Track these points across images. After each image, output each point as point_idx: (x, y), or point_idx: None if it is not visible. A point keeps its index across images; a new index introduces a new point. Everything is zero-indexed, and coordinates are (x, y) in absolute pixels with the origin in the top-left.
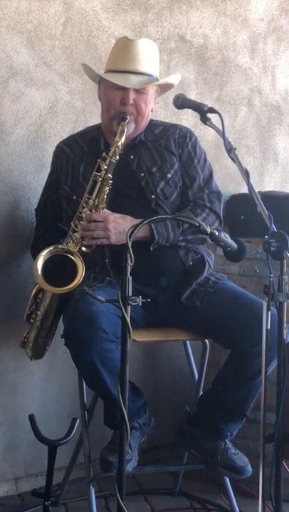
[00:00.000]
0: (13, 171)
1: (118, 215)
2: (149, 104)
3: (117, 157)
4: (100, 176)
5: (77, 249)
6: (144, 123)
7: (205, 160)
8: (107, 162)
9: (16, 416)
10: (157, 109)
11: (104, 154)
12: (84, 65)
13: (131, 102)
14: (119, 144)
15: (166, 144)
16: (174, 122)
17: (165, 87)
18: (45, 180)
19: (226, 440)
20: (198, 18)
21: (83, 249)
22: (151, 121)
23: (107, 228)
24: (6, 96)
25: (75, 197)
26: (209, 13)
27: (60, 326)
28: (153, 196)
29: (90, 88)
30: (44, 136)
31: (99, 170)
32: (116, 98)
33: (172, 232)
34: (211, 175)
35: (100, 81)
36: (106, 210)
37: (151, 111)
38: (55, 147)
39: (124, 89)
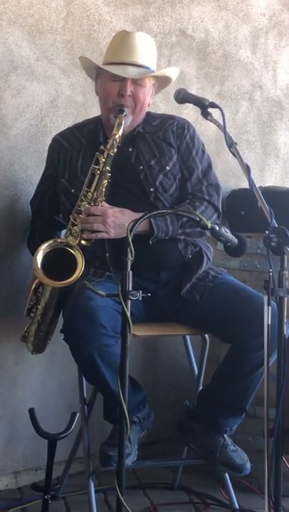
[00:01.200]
0: (13, 165)
1: (117, 209)
2: (146, 97)
3: (115, 150)
4: (99, 169)
5: (76, 242)
6: (141, 115)
7: (203, 151)
8: (105, 155)
9: (16, 410)
10: (158, 104)
11: (102, 147)
12: (82, 57)
13: (128, 93)
14: (117, 136)
15: (165, 136)
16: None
17: (163, 83)
18: (43, 171)
19: (225, 436)
20: (199, 13)
21: (83, 242)
22: (148, 113)
23: (106, 222)
24: (7, 90)
25: (73, 190)
26: (210, 7)
27: (60, 321)
28: (152, 189)
29: (91, 82)
30: (45, 130)
31: (97, 163)
32: (113, 90)
33: (171, 226)
34: (209, 166)
35: (97, 75)
36: (105, 204)
37: (149, 105)
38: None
39: (122, 81)
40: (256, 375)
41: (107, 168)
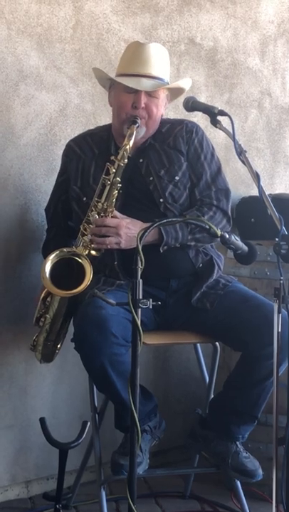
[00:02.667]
0: (23, 174)
1: (129, 220)
2: (160, 109)
3: (126, 160)
4: (109, 180)
5: (86, 252)
6: (154, 127)
7: (212, 155)
8: (116, 166)
9: (27, 419)
10: (167, 112)
11: (112, 158)
12: (95, 68)
13: (142, 105)
14: (128, 147)
15: (175, 143)
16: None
17: (175, 93)
18: (56, 178)
19: (238, 443)
20: (208, 21)
21: (92, 252)
22: None
23: (119, 234)
24: (17, 99)
25: (85, 198)
26: (219, 15)
27: (71, 330)
28: (162, 200)
29: (100, 91)
30: (54, 139)
31: (108, 173)
32: (127, 101)
33: (180, 232)
34: (219, 170)
35: (111, 86)
36: (116, 213)
37: (162, 116)
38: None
39: (136, 93)
40: (267, 384)
41: (118, 178)
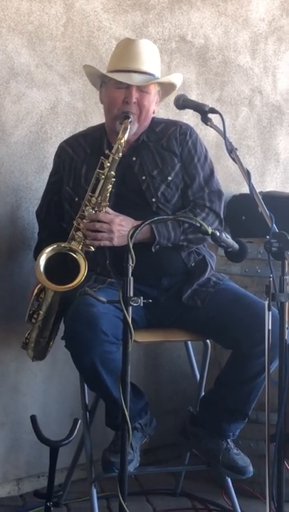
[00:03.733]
0: (14, 172)
1: (122, 217)
2: (151, 104)
3: (120, 154)
4: (103, 174)
5: (79, 247)
6: (146, 123)
7: (206, 157)
8: (110, 159)
9: (18, 417)
10: (158, 109)
11: (107, 151)
12: (86, 66)
13: (134, 100)
14: (122, 141)
15: (168, 144)
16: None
17: (167, 90)
18: (46, 180)
19: (228, 440)
20: (199, 19)
21: (86, 248)
22: (152, 118)
23: (111, 231)
24: (7, 97)
25: (76, 199)
26: (210, 13)
27: (61, 327)
28: (154, 200)
29: (91, 89)
30: (45, 137)
31: (102, 167)
32: (119, 97)
33: (173, 232)
34: (212, 173)
35: (102, 84)
36: (109, 209)
37: (154, 112)
38: (56, 147)
39: (127, 88)
40: (258, 381)
41: (112, 172)
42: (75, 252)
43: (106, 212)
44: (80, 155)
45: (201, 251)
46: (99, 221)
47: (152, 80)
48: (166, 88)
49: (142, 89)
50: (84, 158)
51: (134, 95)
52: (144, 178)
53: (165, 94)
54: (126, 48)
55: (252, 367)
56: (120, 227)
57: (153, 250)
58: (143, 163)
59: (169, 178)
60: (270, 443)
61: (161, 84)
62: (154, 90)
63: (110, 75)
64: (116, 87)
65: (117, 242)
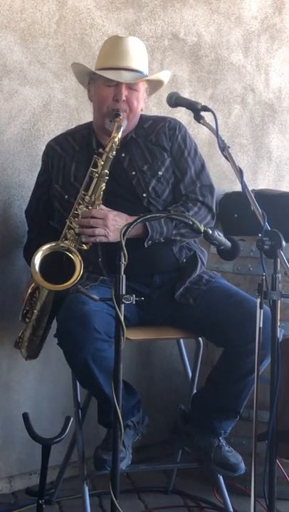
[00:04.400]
0: (6, 169)
1: (116, 213)
2: (140, 102)
3: (114, 152)
4: (97, 172)
5: (73, 246)
6: (135, 120)
7: (196, 151)
8: (104, 157)
9: (10, 414)
10: (151, 107)
11: (100, 150)
12: (74, 64)
13: (124, 98)
14: (116, 139)
15: (158, 140)
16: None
17: (155, 86)
18: (36, 178)
19: (220, 438)
20: (191, 16)
21: (79, 246)
22: (140, 116)
23: (106, 226)
24: (0, 94)
25: (66, 196)
26: (203, 11)
27: (54, 325)
28: (144, 195)
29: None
30: (38, 134)
31: (95, 166)
32: (108, 95)
33: (165, 226)
34: (203, 166)
35: (90, 82)
36: (103, 207)
37: (142, 110)
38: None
39: (117, 86)
40: (250, 379)
41: (106, 171)
42: (70, 251)
43: (100, 209)
44: (68, 153)
45: (192, 247)
46: (93, 217)
47: (141, 77)
48: (154, 85)
49: (131, 87)
50: (73, 155)
51: (124, 93)
52: (134, 173)
53: (153, 91)
54: (114, 46)
55: (244, 365)
56: (114, 222)
57: (146, 245)
58: (133, 158)
59: (160, 173)
60: (259, 441)
61: (149, 82)
62: (142, 87)
63: (100, 72)
64: (105, 85)
65: (112, 237)
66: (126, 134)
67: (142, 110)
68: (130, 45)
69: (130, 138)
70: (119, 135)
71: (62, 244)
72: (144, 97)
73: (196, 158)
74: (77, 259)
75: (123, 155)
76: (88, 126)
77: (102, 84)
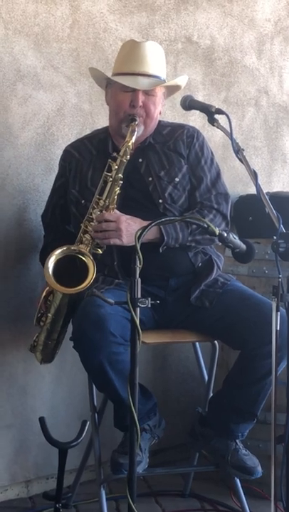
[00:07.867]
0: (21, 174)
1: (128, 216)
2: (157, 106)
3: (128, 157)
4: (111, 176)
5: (87, 250)
6: (152, 125)
7: (212, 160)
8: (118, 162)
9: (27, 418)
10: (165, 111)
11: (115, 154)
12: (91, 68)
13: (140, 104)
14: (130, 143)
15: (175, 146)
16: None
17: (172, 90)
18: (53, 182)
19: (237, 441)
20: (204, 20)
21: (94, 250)
22: (159, 122)
23: (119, 228)
24: (14, 99)
25: (83, 201)
26: (216, 14)
27: (69, 329)
28: (161, 200)
29: (98, 90)
30: (52, 138)
31: (109, 170)
32: (125, 100)
33: (181, 233)
34: (218, 175)
35: (107, 85)
36: (116, 211)
37: (160, 113)
38: (62, 150)
39: (134, 92)
40: (267, 382)
41: (120, 175)
42: (83, 254)
43: (114, 213)
44: (86, 157)
45: (208, 251)
46: (106, 221)
47: (158, 84)
48: (171, 89)
49: (148, 93)
50: (90, 160)
51: (141, 99)
52: (150, 179)
53: (170, 94)
54: (131, 51)
55: (260, 367)
56: (127, 225)
57: (160, 251)
58: (150, 164)
59: (176, 180)
60: (277, 444)
61: (167, 86)
62: (159, 92)
63: (116, 78)
64: (122, 90)
65: (126, 240)
66: (144, 139)
67: (160, 114)
68: (147, 50)
69: (148, 143)
70: (133, 139)
71: (73, 248)
72: (161, 101)
73: (213, 166)
74: (89, 261)
75: (140, 160)
76: (105, 130)
77: (119, 89)
